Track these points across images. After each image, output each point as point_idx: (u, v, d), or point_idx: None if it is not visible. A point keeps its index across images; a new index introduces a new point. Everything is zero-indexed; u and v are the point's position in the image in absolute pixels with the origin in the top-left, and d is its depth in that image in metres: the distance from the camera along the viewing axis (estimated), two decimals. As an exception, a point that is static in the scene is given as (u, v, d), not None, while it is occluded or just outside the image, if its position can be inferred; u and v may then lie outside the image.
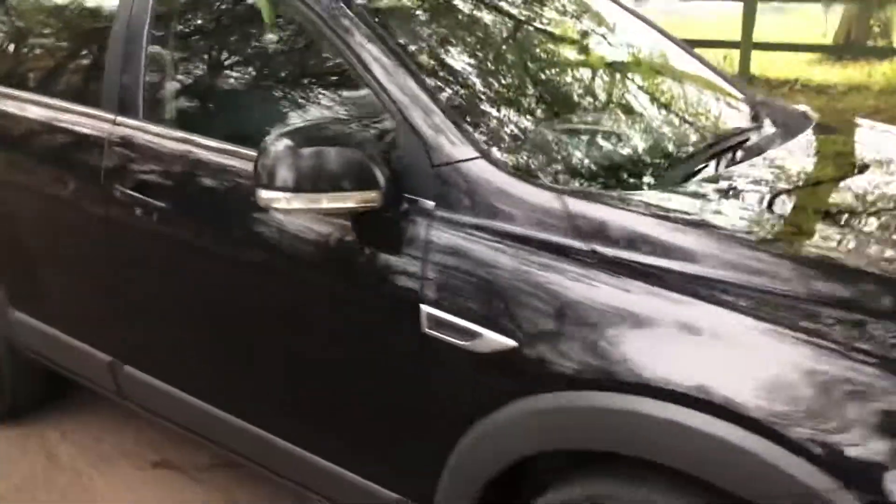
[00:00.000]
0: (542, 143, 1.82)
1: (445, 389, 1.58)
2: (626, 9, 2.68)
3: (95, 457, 2.70)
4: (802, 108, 2.51)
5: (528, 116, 1.90)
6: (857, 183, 1.89)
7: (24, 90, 2.51)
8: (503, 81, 2.01)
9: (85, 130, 2.24)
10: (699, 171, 1.83)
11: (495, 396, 1.49)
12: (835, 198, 1.81)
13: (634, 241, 1.43)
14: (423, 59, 1.87)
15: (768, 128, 2.21)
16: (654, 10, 9.11)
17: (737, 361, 1.27)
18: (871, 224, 1.66)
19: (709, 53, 8.65)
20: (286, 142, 1.55)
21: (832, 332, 1.24)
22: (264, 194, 1.56)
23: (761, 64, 9.49)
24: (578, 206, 1.50)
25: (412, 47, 1.89)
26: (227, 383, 2.08)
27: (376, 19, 1.86)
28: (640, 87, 2.32)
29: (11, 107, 2.49)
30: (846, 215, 1.70)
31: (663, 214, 1.52)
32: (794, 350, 1.23)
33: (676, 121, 2.15)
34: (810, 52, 8.93)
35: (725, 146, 1.99)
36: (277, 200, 1.55)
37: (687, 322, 1.32)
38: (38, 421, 2.89)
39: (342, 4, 1.83)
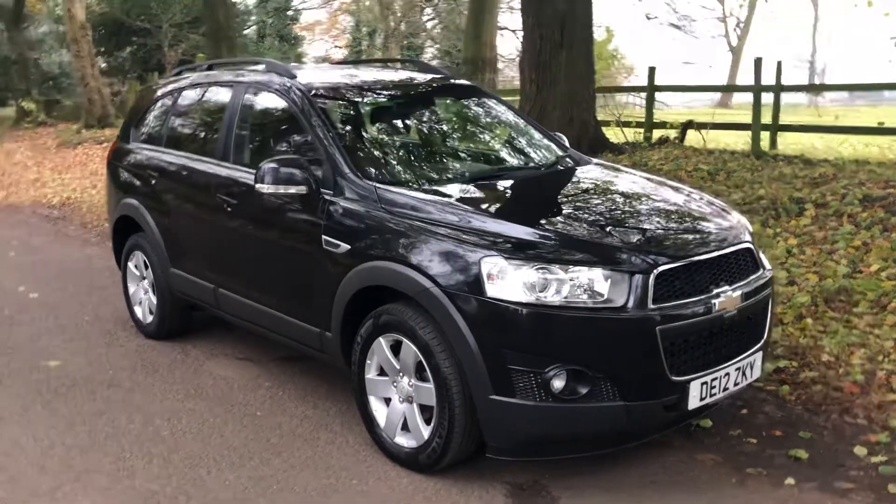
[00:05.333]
0: (380, 165, 3.86)
1: (332, 270, 3.56)
2: (500, 101, 4.68)
3: (208, 354, 4.88)
4: (594, 159, 4.37)
5: (379, 156, 3.95)
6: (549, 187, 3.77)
7: (186, 152, 4.82)
8: (369, 143, 4.08)
9: (207, 169, 4.49)
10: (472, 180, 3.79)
11: (347, 267, 3.47)
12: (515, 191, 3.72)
13: (402, 204, 3.39)
14: (338, 130, 3.93)
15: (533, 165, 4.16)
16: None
17: (420, 250, 3.17)
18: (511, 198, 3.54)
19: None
20: (272, 164, 3.64)
21: (460, 235, 3.11)
22: (258, 186, 3.66)
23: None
24: (380, 190, 3.50)
25: (337, 125, 3.97)
26: (251, 285, 4.18)
27: (321, 112, 3.95)
28: (458, 144, 4.38)
29: (184, 160, 4.77)
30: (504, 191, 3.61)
31: (418, 195, 3.46)
32: (441, 244, 3.13)
33: (475, 157, 4.19)
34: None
35: (497, 173, 3.95)
36: (264, 188, 3.64)
37: (414, 237, 3.22)
38: (179, 338, 5.15)
39: (308, 104, 3.96)
